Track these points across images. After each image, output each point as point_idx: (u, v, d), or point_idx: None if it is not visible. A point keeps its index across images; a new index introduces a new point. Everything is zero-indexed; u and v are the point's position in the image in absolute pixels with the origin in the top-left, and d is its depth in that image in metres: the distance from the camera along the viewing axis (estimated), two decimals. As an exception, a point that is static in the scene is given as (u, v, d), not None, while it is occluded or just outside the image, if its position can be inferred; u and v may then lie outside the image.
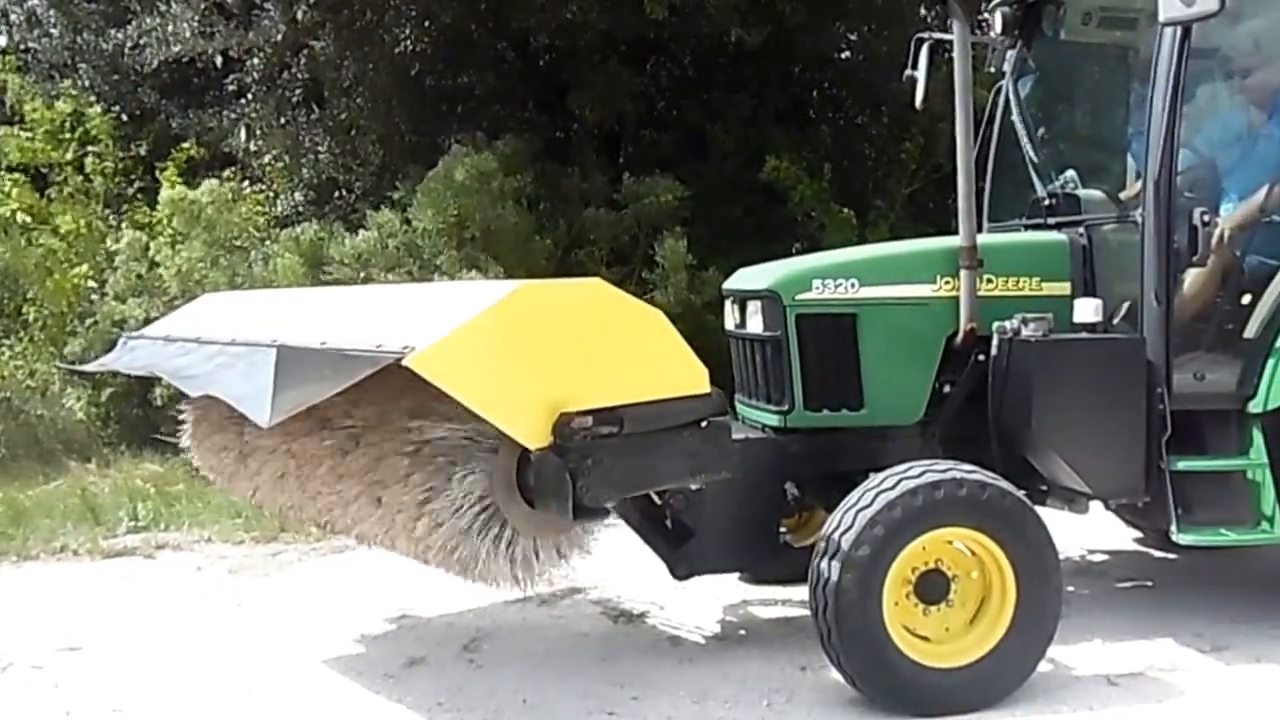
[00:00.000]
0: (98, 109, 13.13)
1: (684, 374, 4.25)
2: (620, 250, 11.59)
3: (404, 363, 3.66)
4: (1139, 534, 6.83)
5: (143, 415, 10.01)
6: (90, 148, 12.80)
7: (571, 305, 4.09)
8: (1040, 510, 4.70)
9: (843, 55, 13.81)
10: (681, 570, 5.08)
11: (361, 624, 5.74)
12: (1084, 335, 4.97)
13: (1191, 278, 5.13)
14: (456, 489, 4.09)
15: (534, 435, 3.96)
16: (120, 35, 13.53)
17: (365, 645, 5.49)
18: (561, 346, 3.98)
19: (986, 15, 6.04)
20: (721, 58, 12.35)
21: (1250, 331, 5.14)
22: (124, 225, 12.02)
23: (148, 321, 10.75)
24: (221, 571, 7.03)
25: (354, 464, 4.51)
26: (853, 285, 5.10)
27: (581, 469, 3.99)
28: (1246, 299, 5.17)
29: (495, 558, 4.17)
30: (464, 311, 3.92)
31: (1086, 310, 4.99)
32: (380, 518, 4.41)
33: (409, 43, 11.89)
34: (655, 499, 5.16)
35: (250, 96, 13.68)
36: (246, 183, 12.87)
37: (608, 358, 4.07)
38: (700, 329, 10.54)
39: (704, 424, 4.36)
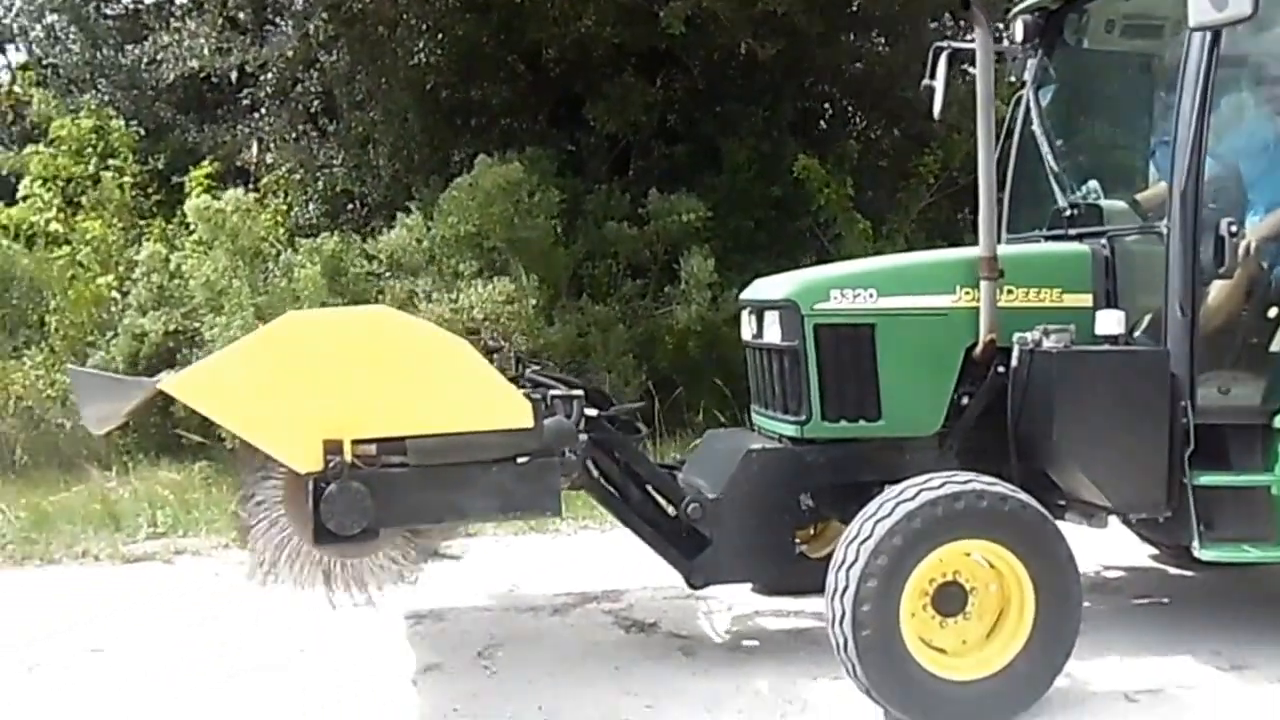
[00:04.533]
0: (120, 123, 13.23)
1: (498, 407, 4.17)
2: (639, 264, 11.60)
3: (158, 386, 4.00)
4: (1154, 550, 6.76)
5: (161, 424, 10.02)
6: (111, 161, 12.90)
7: (349, 334, 4.11)
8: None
9: (857, 66, 13.78)
10: (698, 580, 5.06)
11: (377, 630, 5.70)
12: (1106, 347, 4.91)
13: (1217, 290, 5.04)
14: (265, 502, 4.34)
15: (303, 460, 4.01)
16: (137, 51, 13.65)
17: (381, 651, 5.48)
18: (338, 375, 4.00)
19: (1008, 23, 6.02)
20: (734, 69, 12.36)
21: (1276, 345, 5.07)
22: (145, 238, 12.10)
23: (168, 334, 10.86)
24: (239, 576, 6.99)
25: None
26: (871, 295, 5.05)
27: (327, 495, 4.01)
28: (1273, 312, 5.07)
29: (290, 570, 4.40)
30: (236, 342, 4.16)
31: (1109, 322, 4.93)
32: None
33: (422, 56, 11.95)
34: (669, 509, 5.16)
35: (264, 111, 13.74)
36: (257, 194, 12.94)
37: (396, 387, 4.05)
38: (718, 343, 10.60)
39: (520, 460, 4.31)
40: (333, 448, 3.98)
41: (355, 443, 4.04)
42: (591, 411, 4.97)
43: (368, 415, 4.03)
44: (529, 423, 4.18)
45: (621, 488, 5.21)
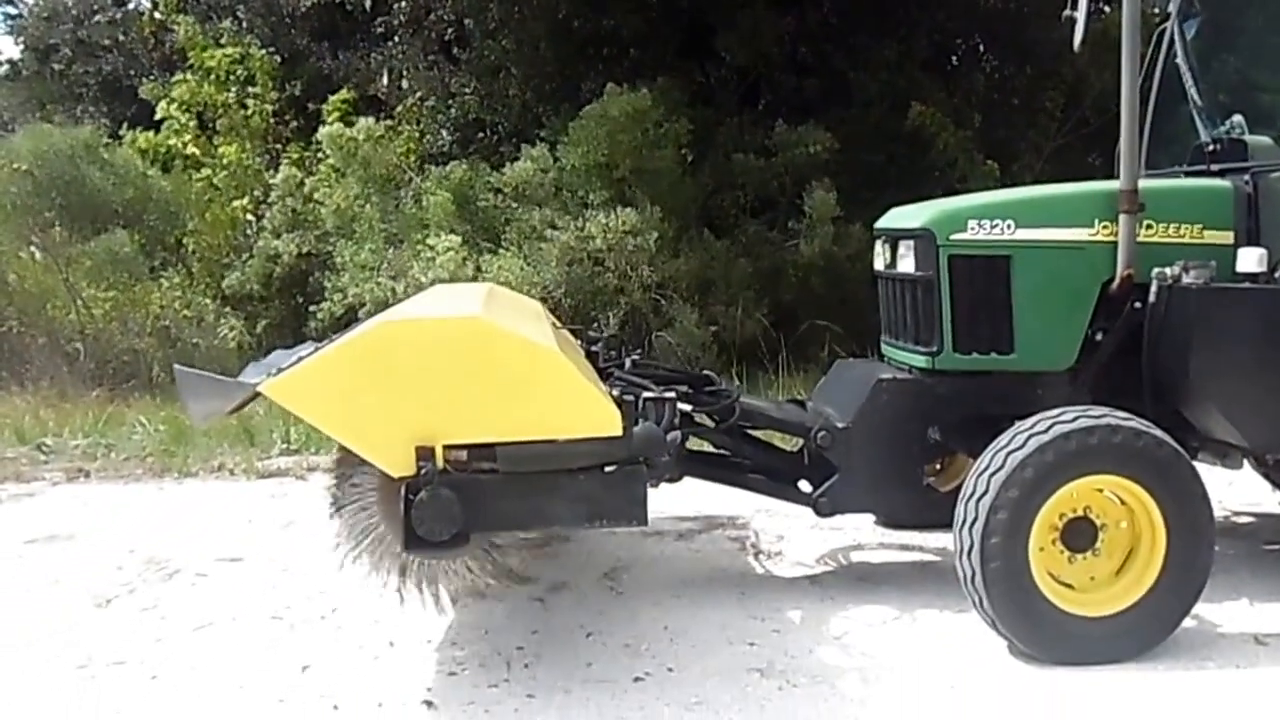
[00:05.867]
0: (259, 51, 13.54)
1: (588, 415, 4.13)
2: (767, 197, 11.57)
3: (258, 389, 4.04)
4: (1287, 497, 6.63)
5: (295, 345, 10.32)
6: (250, 88, 13.22)
7: (444, 340, 4.09)
8: (1191, 464, 4.60)
9: (990, 2, 13.52)
10: (825, 508, 5.12)
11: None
12: (1247, 285, 4.80)
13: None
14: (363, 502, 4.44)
15: (396, 464, 4.06)
16: (275, -23, 13.92)
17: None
18: (432, 380, 4.01)
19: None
20: (867, 3, 12.18)
21: None
22: (281, 163, 12.41)
23: (300, 256, 11.15)
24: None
25: None
26: (1008, 226, 4.99)
27: (418, 501, 4.04)
28: None
29: (385, 567, 4.48)
30: (332, 345, 4.21)
31: (1250, 259, 4.81)
32: None
33: (555, -16, 11.99)
34: (788, 447, 5.20)
35: (397, 39, 13.93)
36: (390, 122, 13.16)
37: (489, 393, 4.04)
38: (842, 279, 10.57)
39: (608, 469, 4.30)
40: (425, 453, 4.04)
41: (447, 448, 4.10)
42: (686, 407, 5.03)
43: (460, 421, 4.07)
44: (618, 431, 4.15)
45: (735, 450, 5.35)
